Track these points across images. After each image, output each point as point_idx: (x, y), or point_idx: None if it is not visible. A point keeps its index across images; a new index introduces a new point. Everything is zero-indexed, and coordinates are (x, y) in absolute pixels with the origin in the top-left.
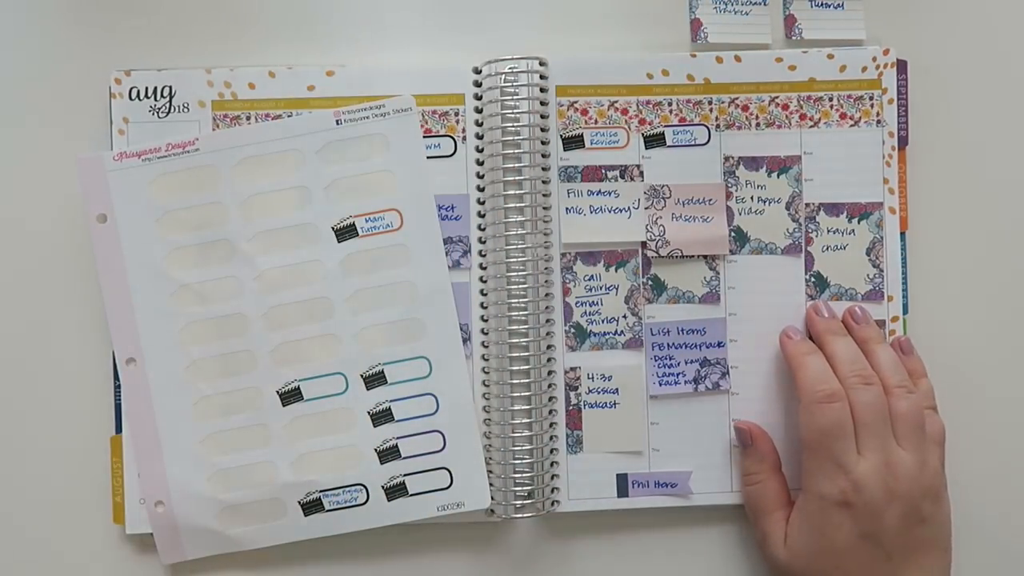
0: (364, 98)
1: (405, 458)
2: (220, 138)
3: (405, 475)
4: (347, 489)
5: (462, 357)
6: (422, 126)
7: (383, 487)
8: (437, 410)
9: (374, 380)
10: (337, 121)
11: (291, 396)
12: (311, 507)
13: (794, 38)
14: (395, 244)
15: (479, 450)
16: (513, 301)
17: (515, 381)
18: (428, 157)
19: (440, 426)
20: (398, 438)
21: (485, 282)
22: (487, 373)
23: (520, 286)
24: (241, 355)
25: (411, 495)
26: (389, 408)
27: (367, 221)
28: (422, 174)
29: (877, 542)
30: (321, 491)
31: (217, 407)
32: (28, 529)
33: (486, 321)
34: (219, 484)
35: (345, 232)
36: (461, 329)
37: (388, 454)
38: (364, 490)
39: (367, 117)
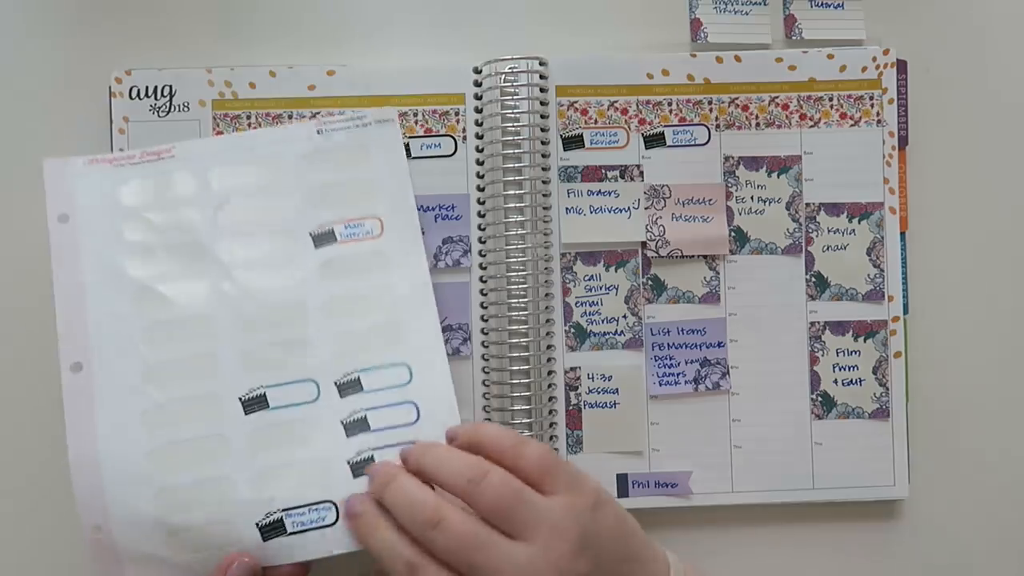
0: (364, 98)
1: None
2: (197, 146)
3: None
4: (314, 507)
5: (445, 365)
6: (422, 126)
7: None
8: (418, 419)
9: (349, 387)
10: (318, 131)
11: (255, 403)
12: (270, 529)
13: (794, 38)
14: (375, 251)
15: None
16: (513, 301)
17: (515, 381)
18: (428, 157)
19: (421, 436)
20: (374, 449)
21: (485, 282)
22: (487, 373)
23: (520, 286)
24: (203, 359)
25: None
26: (364, 417)
27: (346, 228)
28: (404, 183)
29: None
30: (283, 510)
31: (170, 416)
32: (26, 529)
33: (486, 321)
34: (166, 504)
35: (323, 238)
36: (461, 329)
37: (362, 467)
38: (333, 508)
39: (348, 127)
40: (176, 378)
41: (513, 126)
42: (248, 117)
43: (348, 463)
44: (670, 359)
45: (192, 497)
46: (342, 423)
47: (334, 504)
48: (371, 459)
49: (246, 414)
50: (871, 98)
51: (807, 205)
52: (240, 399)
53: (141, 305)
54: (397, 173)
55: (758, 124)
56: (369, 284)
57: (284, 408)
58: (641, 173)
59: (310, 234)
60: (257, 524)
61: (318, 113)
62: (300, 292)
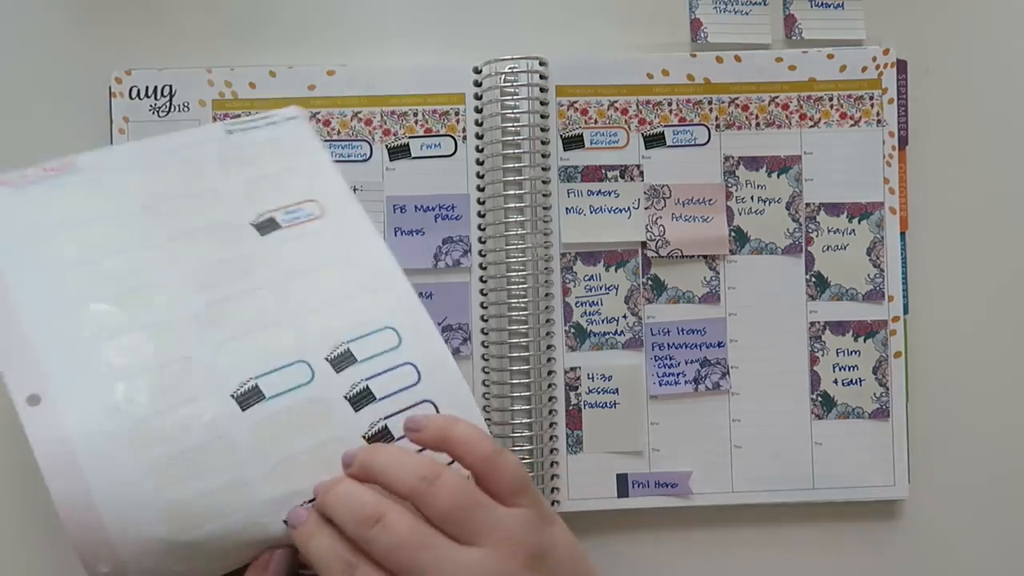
0: (364, 98)
1: (399, 439)
2: (101, 157)
3: None
4: None
5: (431, 323)
6: (422, 126)
7: None
8: (419, 379)
9: (342, 360)
10: (228, 131)
11: (250, 397)
12: None
13: (794, 38)
14: (322, 230)
15: (478, 414)
16: (513, 301)
17: (515, 381)
18: (428, 157)
19: (428, 395)
20: (385, 418)
21: (485, 282)
22: (487, 373)
23: (520, 286)
24: (178, 364)
25: None
26: (367, 387)
27: (286, 214)
28: (330, 169)
29: None
30: (311, 501)
31: (160, 430)
32: (27, 529)
33: (486, 321)
34: (180, 523)
35: (266, 226)
36: (461, 329)
37: (380, 438)
38: None
39: (257, 126)
40: (155, 389)
41: (513, 126)
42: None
43: (364, 438)
44: (670, 359)
45: (206, 509)
46: (346, 398)
47: None
48: (386, 429)
49: (243, 410)
50: (871, 98)
51: (807, 205)
52: (233, 396)
53: (93, 321)
54: (319, 163)
55: (758, 124)
56: (328, 259)
57: (281, 395)
58: (641, 173)
59: (252, 224)
60: (286, 521)
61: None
62: (260, 277)
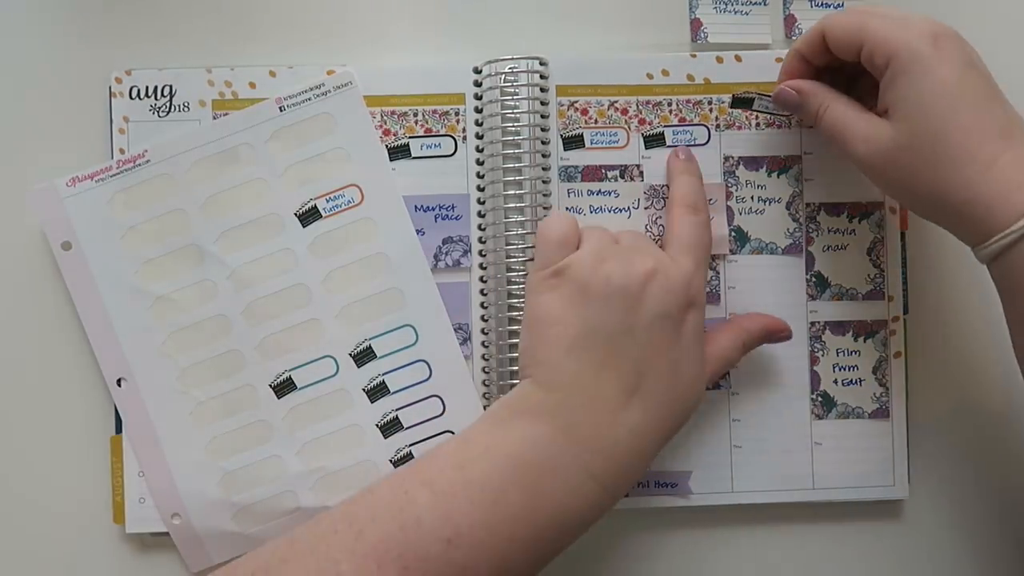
0: (364, 98)
1: (408, 428)
2: (169, 145)
3: (410, 445)
4: (356, 467)
5: (446, 319)
6: (422, 126)
7: (391, 461)
8: (431, 375)
9: (363, 357)
10: (280, 108)
11: (284, 387)
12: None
13: (794, 38)
14: (360, 219)
15: (480, 408)
16: (513, 301)
17: (515, 381)
18: (428, 157)
19: (437, 390)
20: (397, 410)
21: (485, 282)
22: (487, 373)
23: (520, 286)
24: (228, 356)
25: None
26: (383, 382)
27: (328, 201)
28: (374, 145)
29: None
30: (331, 475)
31: (214, 411)
32: (28, 530)
33: (486, 321)
34: (230, 487)
35: (308, 216)
36: (461, 329)
37: (390, 427)
38: (374, 467)
39: (309, 99)
40: (209, 377)
41: (513, 126)
42: None
43: (377, 426)
44: None
45: (250, 477)
46: (364, 391)
47: (374, 464)
48: (397, 419)
49: (278, 398)
50: None
51: (807, 205)
52: (271, 386)
53: (161, 315)
54: (365, 136)
55: (758, 124)
56: (361, 254)
57: (310, 386)
58: (641, 173)
59: (295, 214)
60: (311, 491)
61: None
62: (298, 274)
